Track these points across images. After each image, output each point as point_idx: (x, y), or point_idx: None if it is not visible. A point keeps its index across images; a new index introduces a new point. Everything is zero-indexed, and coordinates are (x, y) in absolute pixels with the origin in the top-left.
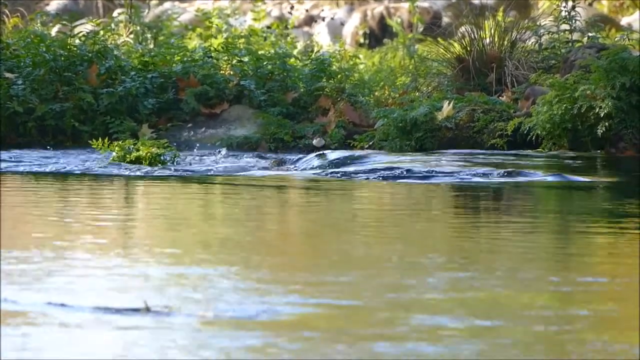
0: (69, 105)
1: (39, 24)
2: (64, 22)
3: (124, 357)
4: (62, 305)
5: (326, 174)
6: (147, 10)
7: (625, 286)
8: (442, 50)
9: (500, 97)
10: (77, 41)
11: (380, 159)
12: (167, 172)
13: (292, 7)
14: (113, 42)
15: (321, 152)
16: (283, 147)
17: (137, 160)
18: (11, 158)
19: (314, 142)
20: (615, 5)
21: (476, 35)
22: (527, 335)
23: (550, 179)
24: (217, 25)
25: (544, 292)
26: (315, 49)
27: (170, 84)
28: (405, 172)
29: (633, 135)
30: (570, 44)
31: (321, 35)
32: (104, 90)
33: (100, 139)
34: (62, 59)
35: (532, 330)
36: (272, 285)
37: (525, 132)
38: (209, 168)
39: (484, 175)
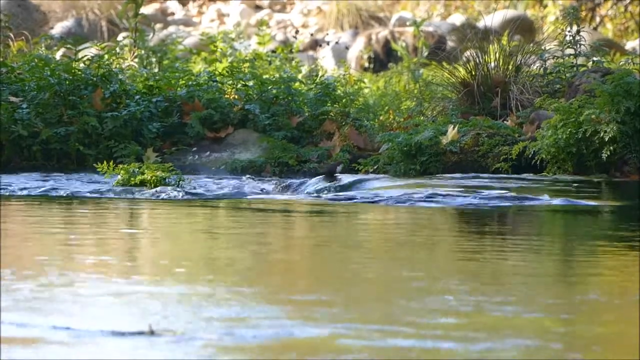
0: (73, 129)
1: (43, 48)
2: (69, 46)
3: None
4: (67, 328)
5: (332, 198)
6: (151, 34)
7: (633, 307)
8: (446, 74)
9: (505, 121)
10: (82, 65)
11: (384, 184)
12: (171, 195)
13: (297, 32)
14: (118, 66)
15: (333, 175)
16: (288, 171)
17: (142, 184)
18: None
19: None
20: (620, 30)
21: (481, 60)
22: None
23: (555, 202)
24: (221, 49)
25: (551, 314)
26: (320, 73)
27: (175, 107)
28: (405, 196)
29: (638, 159)
30: (575, 68)
31: (326, 60)
32: (109, 114)
33: (105, 163)
34: (67, 82)
35: (540, 351)
36: (280, 312)
37: (529, 156)
38: (214, 191)
39: (489, 199)
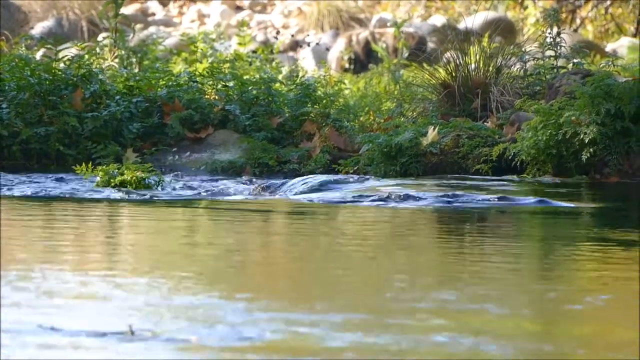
0: (53, 129)
1: (23, 48)
2: (49, 46)
3: None
4: (52, 328)
5: (312, 199)
6: (132, 35)
7: (614, 308)
8: (427, 75)
9: (485, 123)
10: (62, 65)
11: (366, 184)
12: (151, 196)
13: (277, 32)
14: (98, 66)
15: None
16: (268, 172)
17: (122, 185)
18: None
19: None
20: (600, 32)
21: (461, 61)
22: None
23: (534, 204)
24: (202, 49)
25: (529, 315)
26: (301, 74)
27: (155, 108)
28: (391, 197)
29: (617, 161)
30: (555, 70)
31: (306, 60)
32: (89, 114)
33: (83, 164)
34: (47, 82)
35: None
36: (260, 312)
37: (510, 157)
38: (194, 192)
39: (469, 200)
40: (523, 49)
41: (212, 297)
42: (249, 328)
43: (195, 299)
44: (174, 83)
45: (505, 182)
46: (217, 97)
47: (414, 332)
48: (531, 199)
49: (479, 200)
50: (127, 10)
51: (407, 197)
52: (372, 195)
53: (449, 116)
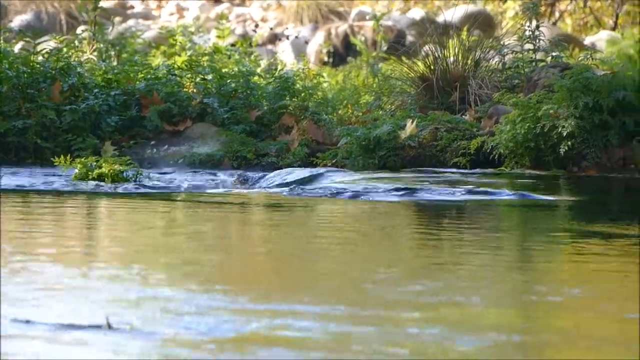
0: (31, 122)
1: (1, 41)
2: (28, 39)
3: None
4: (27, 322)
5: (290, 192)
6: (110, 28)
7: (591, 300)
8: (405, 69)
9: (463, 116)
10: (41, 58)
11: (345, 177)
12: (130, 189)
13: (256, 25)
14: (76, 59)
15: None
16: (246, 165)
17: (100, 178)
18: None
19: None
20: (579, 25)
21: (440, 54)
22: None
23: (512, 197)
24: (181, 42)
25: (509, 308)
26: (279, 67)
27: (134, 101)
28: (369, 190)
29: (595, 154)
30: (533, 64)
31: (285, 54)
32: (67, 107)
33: (62, 157)
34: (25, 75)
35: (497, 344)
36: (239, 304)
37: (488, 150)
38: (173, 185)
39: (447, 193)
40: (502, 42)
41: (190, 290)
42: (227, 320)
43: (173, 291)
44: (153, 76)
45: (482, 175)
46: (195, 90)
47: (388, 324)
48: (507, 192)
49: (447, 193)
50: (106, 3)
51: (380, 190)
52: (347, 190)
53: (427, 109)
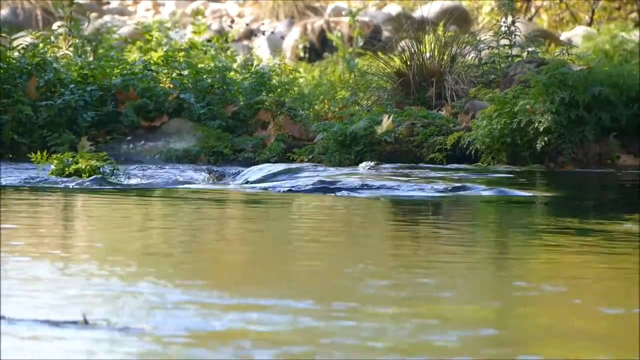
0: (7, 118)
1: None
2: (3, 35)
3: None
4: (2, 317)
5: (264, 188)
6: (86, 23)
7: (567, 296)
8: (382, 64)
9: (440, 112)
10: (17, 54)
11: (322, 173)
12: (105, 185)
13: (232, 21)
14: (52, 54)
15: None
16: (222, 160)
17: (76, 173)
18: None
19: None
20: (555, 21)
21: (416, 50)
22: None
23: (489, 193)
24: (157, 38)
25: (485, 303)
26: (255, 63)
27: (110, 96)
28: (345, 185)
29: (572, 149)
30: (510, 59)
31: (261, 49)
32: (43, 103)
33: (38, 153)
34: (1, 71)
35: (474, 340)
36: (212, 299)
37: (464, 146)
38: (149, 181)
39: (423, 189)
40: (478, 38)
41: (165, 286)
42: (201, 315)
43: (148, 287)
44: (129, 72)
45: (459, 170)
46: (171, 86)
47: (365, 320)
48: (484, 188)
49: (423, 188)
50: None
51: (364, 187)
52: (324, 185)
53: (403, 105)
